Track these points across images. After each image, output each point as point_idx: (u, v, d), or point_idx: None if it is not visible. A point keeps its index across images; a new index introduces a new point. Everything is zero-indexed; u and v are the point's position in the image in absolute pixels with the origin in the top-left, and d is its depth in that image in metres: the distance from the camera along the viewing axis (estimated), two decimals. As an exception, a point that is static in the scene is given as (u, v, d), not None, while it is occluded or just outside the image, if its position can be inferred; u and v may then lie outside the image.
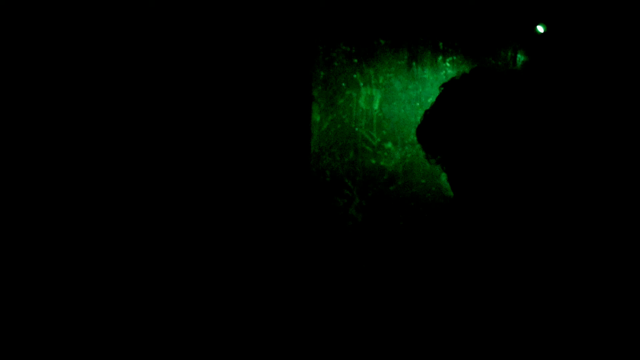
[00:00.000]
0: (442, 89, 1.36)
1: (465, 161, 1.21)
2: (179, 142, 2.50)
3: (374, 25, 2.80)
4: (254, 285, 2.40)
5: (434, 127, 1.31)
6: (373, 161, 2.72)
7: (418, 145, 2.60)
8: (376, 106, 2.73)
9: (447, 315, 1.24)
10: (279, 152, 2.74)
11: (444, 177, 2.69)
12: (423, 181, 2.69)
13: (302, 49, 2.83)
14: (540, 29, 2.77)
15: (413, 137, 2.71)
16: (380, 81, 2.74)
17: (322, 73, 2.81)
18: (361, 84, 2.76)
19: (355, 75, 2.77)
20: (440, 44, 2.74)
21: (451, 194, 2.66)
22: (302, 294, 2.53)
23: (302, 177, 2.71)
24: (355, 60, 2.78)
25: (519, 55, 2.74)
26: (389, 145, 2.71)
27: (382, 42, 2.74)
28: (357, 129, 2.73)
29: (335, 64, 2.80)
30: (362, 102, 2.76)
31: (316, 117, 2.78)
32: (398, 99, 2.73)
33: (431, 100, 2.68)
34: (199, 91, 2.62)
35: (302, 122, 2.79)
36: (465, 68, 2.74)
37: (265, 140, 2.67)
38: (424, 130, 1.36)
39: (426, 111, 1.44)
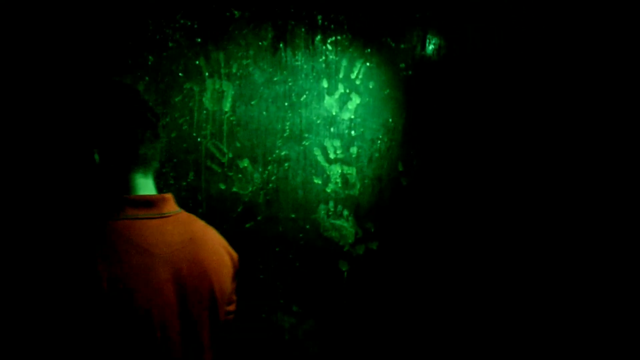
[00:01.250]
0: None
1: None
2: None
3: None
4: None
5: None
6: (222, 186, 1.86)
7: (287, 164, 1.76)
8: (227, 106, 1.88)
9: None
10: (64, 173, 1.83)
11: (322, 209, 1.82)
12: (293, 215, 1.83)
13: (116, 23, 1.93)
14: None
15: (280, 152, 1.84)
16: (234, 70, 1.88)
17: (150, 58, 1.91)
18: (206, 74, 1.89)
19: (198, 62, 1.89)
20: (319, 17, 1.87)
21: (333, 234, 1.81)
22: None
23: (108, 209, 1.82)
24: (199, 40, 1.90)
25: (430, 37, 1.90)
26: (245, 163, 1.86)
27: (237, 14, 1.88)
28: (200, 139, 1.85)
29: (171, 44, 1.91)
30: (207, 101, 1.88)
31: None
32: (259, 97, 1.85)
33: (306, 98, 1.82)
34: None
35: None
36: (354, 53, 1.89)
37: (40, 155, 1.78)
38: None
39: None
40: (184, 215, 1.23)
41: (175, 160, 2.06)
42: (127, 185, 1.12)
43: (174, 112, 2.08)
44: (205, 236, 1.23)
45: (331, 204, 2.03)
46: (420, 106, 2.07)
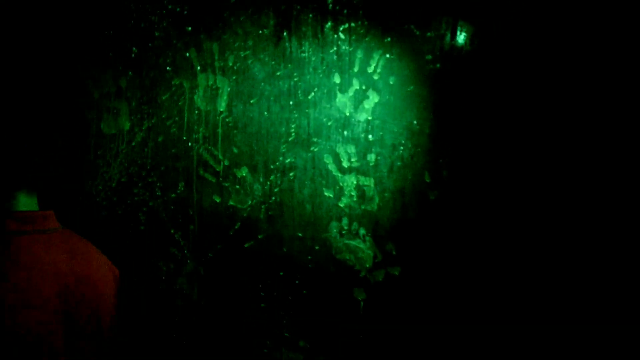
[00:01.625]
0: None
1: None
2: None
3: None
4: None
5: None
6: (217, 199, 1.60)
7: (293, 174, 1.48)
8: (223, 106, 1.62)
9: None
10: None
11: (334, 227, 1.53)
12: (300, 234, 1.55)
13: (93, 8, 1.67)
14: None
15: (284, 160, 1.55)
16: (230, 63, 1.61)
17: (134, 49, 1.64)
18: (198, 68, 1.61)
19: (188, 54, 1.61)
20: (329, 1, 1.58)
21: (347, 256, 1.53)
22: None
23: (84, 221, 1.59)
24: (189, 29, 1.62)
25: (462, 23, 1.60)
26: (244, 172, 1.58)
27: None
28: (191, 143, 1.56)
29: (157, 34, 1.63)
30: (199, 99, 1.60)
31: (124, 123, 1.61)
32: (259, 95, 1.57)
33: (314, 96, 1.52)
34: None
35: (78, 130, 1.67)
36: (371, 43, 1.59)
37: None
38: None
39: None
40: (67, 232, 1.26)
41: (162, 168, 1.78)
42: (11, 202, 1.17)
43: (161, 113, 1.79)
44: (89, 253, 1.27)
45: (345, 221, 1.73)
46: (450, 105, 1.76)
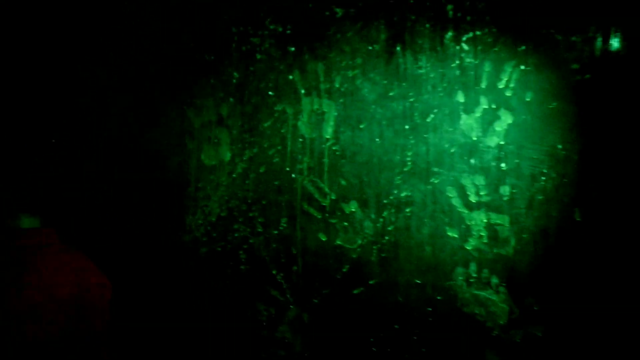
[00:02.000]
0: None
1: None
2: None
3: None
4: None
5: None
6: (323, 237, 1.45)
7: (410, 209, 1.26)
8: (329, 132, 1.46)
9: None
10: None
11: (460, 274, 1.28)
12: (418, 281, 1.33)
13: (195, 34, 1.60)
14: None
15: (400, 193, 1.34)
16: (337, 85, 1.44)
17: (235, 74, 1.53)
18: (302, 92, 1.46)
19: (291, 76, 1.46)
20: (449, 8, 1.37)
21: (476, 310, 1.29)
22: None
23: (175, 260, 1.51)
24: (292, 49, 1.48)
25: (613, 37, 1.30)
26: (353, 207, 1.42)
27: (339, 12, 1.45)
28: (294, 175, 1.41)
29: (258, 56, 1.51)
30: (303, 126, 1.44)
31: (225, 153, 1.50)
32: (370, 118, 1.37)
33: (434, 119, 1.28)
34: None
35: (181, 160, 1.59)
36: (501, 53, 1.29)
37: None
38: None
39: None
40: (67, 247, 1.36)
41: (264, 202, 1.63)
42: (15, 221, 1.32)
43: (263, 141, 1.65)
44: (88, 267, 1.36)
45: (473, 266, 1.45)
46: (605, 124, 1.42)
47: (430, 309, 1.52)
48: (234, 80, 1.75)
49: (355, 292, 1.59)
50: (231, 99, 1.74)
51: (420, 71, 1.58)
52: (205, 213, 1.75)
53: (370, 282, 1.58)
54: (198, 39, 1.76)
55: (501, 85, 1.51)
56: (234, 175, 1.72)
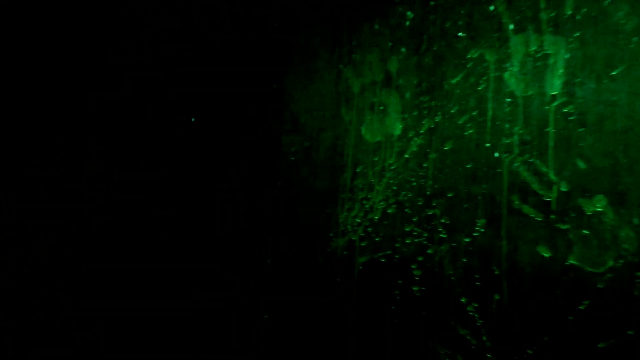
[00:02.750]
0: None
1: None
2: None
3: None
4: None
5: None
6: (544, 252, 1.06)
7: None
8: (557, 85, 0.90)
9: None
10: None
11: None
12: None
13: None
14: None
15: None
16: (569, 10, 0.82)
17: (408, 14, 1.05)
18: (511, 27, 0.90)
19: (493, 6, 0.91)
20: None
21: None
22: None
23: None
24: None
25: None
26: (600, 204, 0.87)
27: None
28: (498, 153, 0.89)
29: None
30: (512, 78, 0.88)
31: (393, 124, 1.02)
32: (628, 60, 0.73)
33: None
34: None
35: (334, 137, 1.13)
36: None
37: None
38: None
39: None
40: None
41: (450, 194, 1.10)
42: None
43: (449, 106, 1.12)
44: None
45: None
46: None
47: None
48: (407, 22, 1.23)
49: (600, 345, 0.97)
50: (403, 49, 1.23)
51: None
52: (366, 209, 1.26)
53: (629, 332, 0.94)
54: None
55: None
56: (406, 156, 1.21)
